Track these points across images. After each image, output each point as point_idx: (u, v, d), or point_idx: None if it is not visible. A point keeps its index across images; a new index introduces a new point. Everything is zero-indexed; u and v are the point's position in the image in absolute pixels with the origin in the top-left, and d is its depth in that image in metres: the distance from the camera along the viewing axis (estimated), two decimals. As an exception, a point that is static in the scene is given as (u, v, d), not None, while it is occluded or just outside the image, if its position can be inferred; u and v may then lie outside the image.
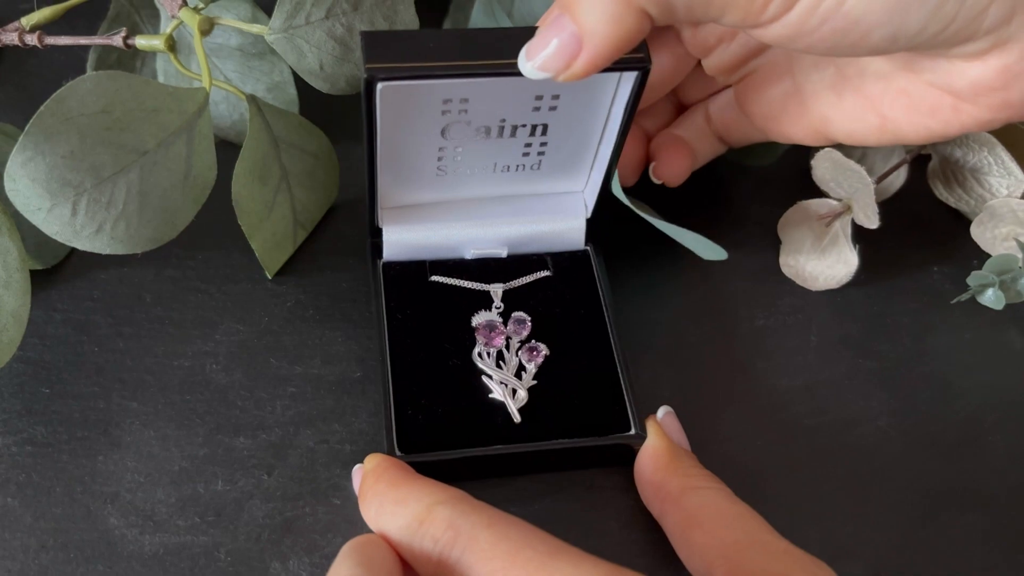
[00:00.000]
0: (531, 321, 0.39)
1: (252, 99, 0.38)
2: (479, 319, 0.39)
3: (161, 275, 0.42)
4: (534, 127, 0.37)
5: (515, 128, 0.37)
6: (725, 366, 0.41)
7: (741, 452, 0.38)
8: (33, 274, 0.36)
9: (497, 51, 0.32)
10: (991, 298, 0.43)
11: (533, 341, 0.39)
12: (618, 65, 0.32)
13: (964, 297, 0.43)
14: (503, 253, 0.41)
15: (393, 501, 0.30)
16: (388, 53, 0.32)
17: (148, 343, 0.40)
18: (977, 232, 0.43)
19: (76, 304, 0.40)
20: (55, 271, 0.41)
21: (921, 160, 0.45)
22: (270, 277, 0.42)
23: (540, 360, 0.38)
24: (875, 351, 0.42)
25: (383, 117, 0.34)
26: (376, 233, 0.40)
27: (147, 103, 0.35)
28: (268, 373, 0.39)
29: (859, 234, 0.42)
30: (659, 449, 0.36)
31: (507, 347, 0.39)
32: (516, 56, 0.32)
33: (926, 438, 0.40)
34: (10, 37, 0.40)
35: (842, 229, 0.42)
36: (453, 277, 0.40)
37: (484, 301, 0.40)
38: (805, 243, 0.43)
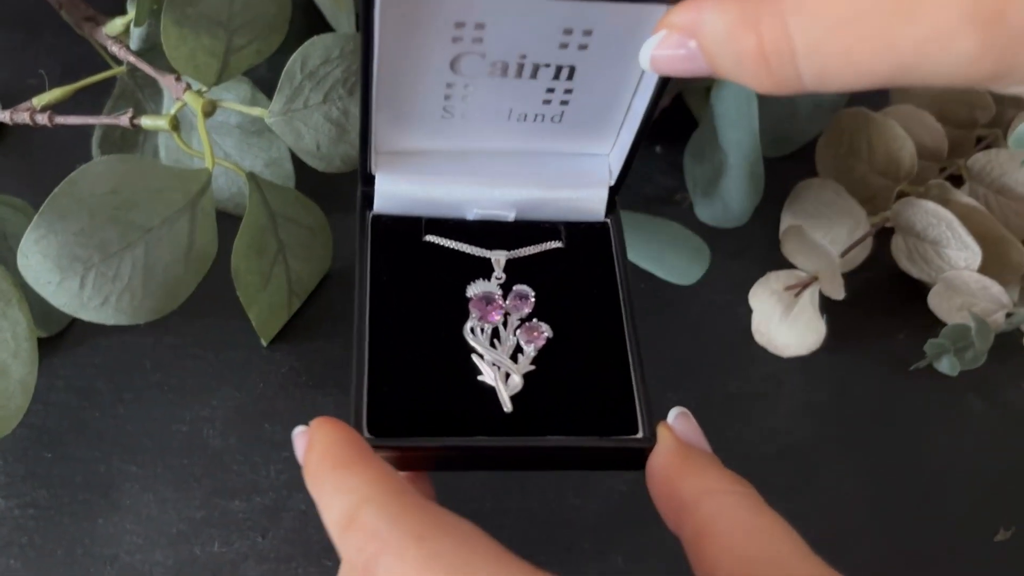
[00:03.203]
0: (535, 297, 0.34)
1: (251, 176, 0.40)
2: (475, 289, 0.34)
3: (160, 342, 0.43)
4: (559, 69, 0.31)
5: (537, 68, 0.31)
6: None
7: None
8: (37, 342, 0.38)
9: None
10: (946, 365, 0.45)
11: (535, 320, 0.33)
12: None
13: (922, 364, 0.45)
14: (510, 216, 0.36)
15: (332, 486, 0.26)
16: None
17: (148, 408, 0.41)
18: (934, 302, 0.46)
19: (78, 371, 0.42)
20: (58, 338, 0.43)
21: (885, 233, 0.48)
22: (265, 345, 0.43)
23: (541, 343, 0.33)
24: (843, 415, 0.44)
25: (383, 38, 0.29)
26: (368, 181, 0.35)
27: (153, 183, 0.37)
28: (263, 438, 0.41)
29: (827, 303, 0.44)
30: (670, 449, 0.30)
31: (504, 324, 0.33)
32: None
33: (891, 499, 0.42)
34: (21, 116, 0.42)
35: (811, 299, 0.45)
36: (451, 239, 0.35)
37: (483, 269, 0.35)
38: (776, 312, 0.45)
